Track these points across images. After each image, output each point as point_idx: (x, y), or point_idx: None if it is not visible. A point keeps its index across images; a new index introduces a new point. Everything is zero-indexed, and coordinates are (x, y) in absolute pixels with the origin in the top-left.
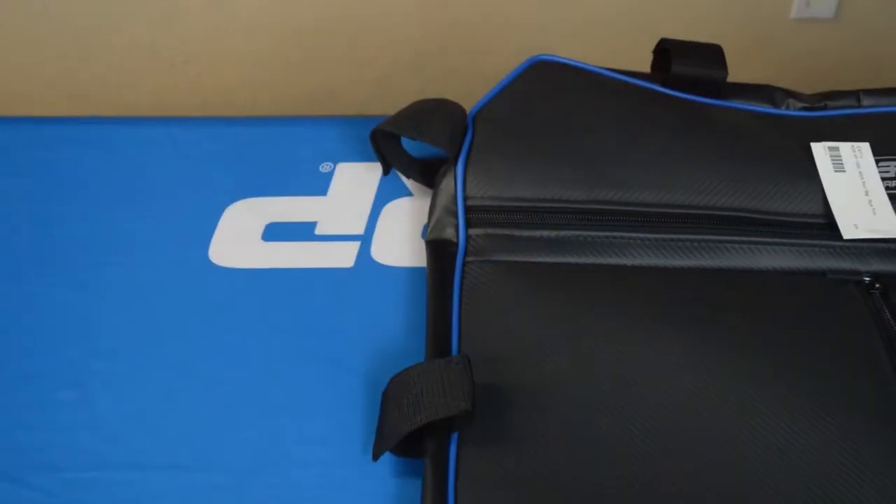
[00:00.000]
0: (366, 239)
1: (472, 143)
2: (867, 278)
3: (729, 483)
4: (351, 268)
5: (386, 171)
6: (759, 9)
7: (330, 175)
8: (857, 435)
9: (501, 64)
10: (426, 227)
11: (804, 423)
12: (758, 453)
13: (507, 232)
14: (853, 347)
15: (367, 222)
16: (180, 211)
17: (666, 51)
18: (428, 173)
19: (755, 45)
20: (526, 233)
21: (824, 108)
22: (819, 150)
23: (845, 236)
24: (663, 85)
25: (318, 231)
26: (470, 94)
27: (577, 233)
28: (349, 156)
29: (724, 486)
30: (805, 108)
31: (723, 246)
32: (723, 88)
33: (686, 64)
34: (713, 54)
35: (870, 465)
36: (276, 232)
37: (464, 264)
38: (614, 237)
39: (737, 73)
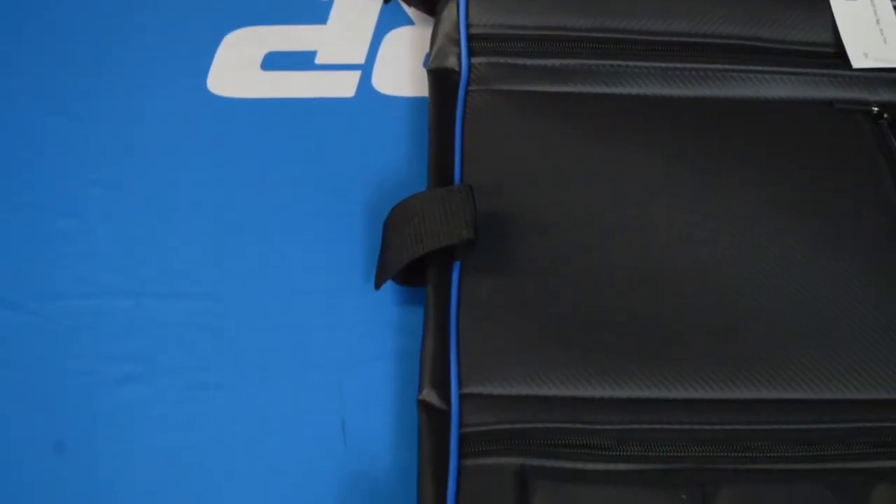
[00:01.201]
0: (366, 68)
1: None
2: (875, 108)
3: (731, 314)
4: (351, 97)
5: (387, 0)
6: None
7: (330, 3)
8: (861, 266)
9: None
10: (428, 55)
11: (806, 255)
12: (761, 283)
13: (510, 61)
14: (859, 178)
15: (368, 51)
16: (177, 40)
17: None
18: (430, 0)
19: None
20: (530, 61)
21: None
22: None
23: (854, 65)
24: None
25: (317, 60)
26: None
27: (582, 61)
28: None
29: (725, 317)
30: None
31: (729, 75)
32: None
33: None
34: None
35: (873, 296)
36: (275, 61)
37: (466, 93)
38: (619, 66)
39: None
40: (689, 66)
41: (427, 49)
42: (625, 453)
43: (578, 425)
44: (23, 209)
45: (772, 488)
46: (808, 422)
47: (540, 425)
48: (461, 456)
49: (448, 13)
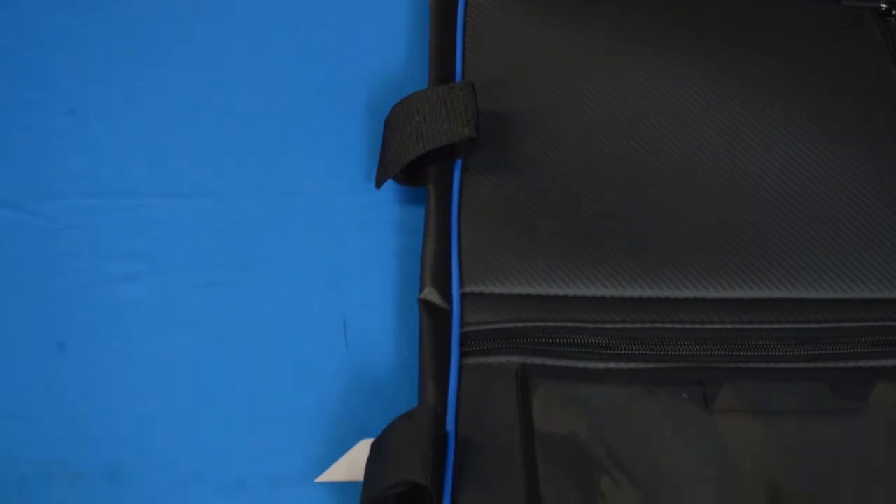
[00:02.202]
0: None
1: None
2: (883, 5)
3: (735, 214)
4: None
5: None
6: None
7: None
8: (867, 167)
9: None
10: None
11: (813, 156)
12: (766, 184)
13: None
14: (867, 75)
15: None
16: None
17: None
18: None
19: None
20: None
21: None
22: None
23: None
24: None
25: None
26: None
27: None
28: None
29: (730, 217)
30: None
31: None
32: None
33: None
34: None
35: (879, 197)
36: None
37: None
38: None
39: None
40: None
41: None
42: (626, 352)
43: (580, 324)
44: (21, 108)
45: (773, 386)
46: (810, 321)
47: (541, 324)
48: (462, 355)
49: None
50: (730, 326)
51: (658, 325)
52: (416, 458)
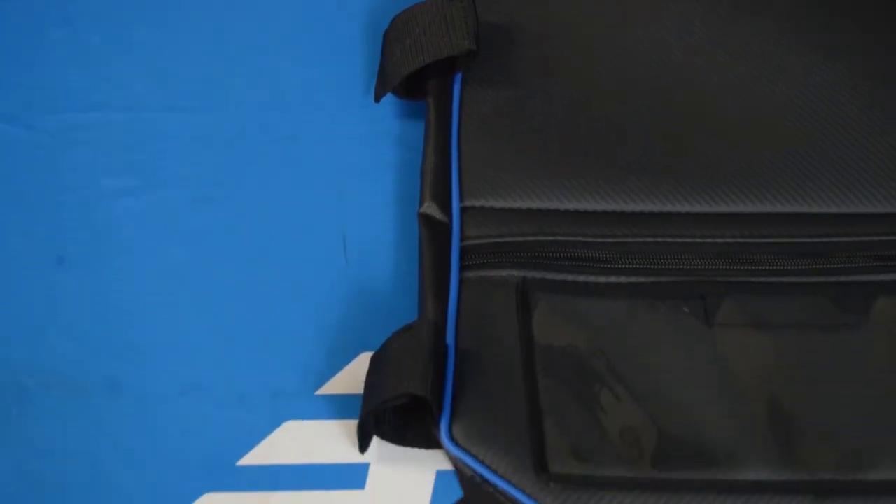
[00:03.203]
0: None
1: None
2: None
3: (740, 129)
4: None
5: None
6: None
7: None
8: (873, 86)
9: None
10: None
11: (821, 76)
12: (771, 101)
13: None
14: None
15: None
16: None
17: None
18: None
19: None
20: None
21: None
22: None
23: None
24: None
25: None
26: None
27: None
28: None
29: (734, 132)
30: None
31: None
32: None
33: None
34: None
35: (884, 112)
36: None
37: None
38: None
39: None
40: None
41: None
42: (626, 266)
43: (580, 238)
44: (12, 18)
45: (774, 300)
46: (812, 235)
47: (541, 238)
48: (462, 268)
49: None
50: (731, 241)
51: (659, 240)
52: (416, 371)
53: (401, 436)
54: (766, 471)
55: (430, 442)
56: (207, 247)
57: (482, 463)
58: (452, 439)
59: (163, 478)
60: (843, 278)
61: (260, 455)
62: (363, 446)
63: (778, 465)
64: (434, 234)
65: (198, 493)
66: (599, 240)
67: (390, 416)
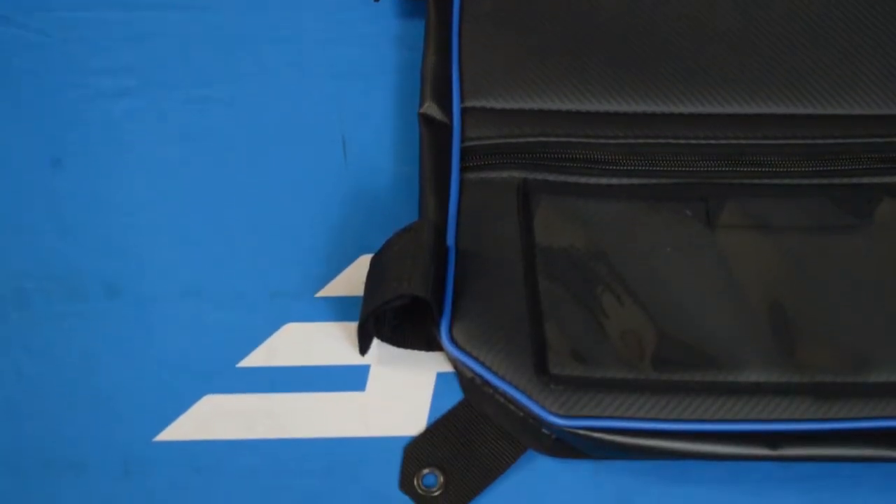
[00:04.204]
0: None
1: None
2: None
3: (746, 29)
4: None
5: None
6: None
7: None
8: None
9: None
10: None
11: None
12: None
13: None
14: None
15: None
16: None
17: None
18: None
19: None
20: None
21: None
22: None
23: None
24: None
25: None
26: None
27: None
28: None
29: (740, 32)
30: None
31: None
32: None
33: None
34: None
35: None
36: None
37: None
38: None
39: None
40: None
41: None
42: (629, 168)
43: (582, 139)
44: None
45: (777, 202)
46: (816, 137)
47: (543, 139)
48: (463, 170)
49: None
50: (734, 142)
51: (661, 141)
52: (417, 272)
53: (401, 338)
54: (766, 373)
55: (431, 344)
56: (206, 148)
57: (482, 364)
58: (453, 340)
59: (162, 380)
60: (846, 180)
61: (260, 357)
62: (363, 348)
63: (779, 367)
64: (434, 134)
65: (198, 395)
66: (602, 141)
67: (390, 317)
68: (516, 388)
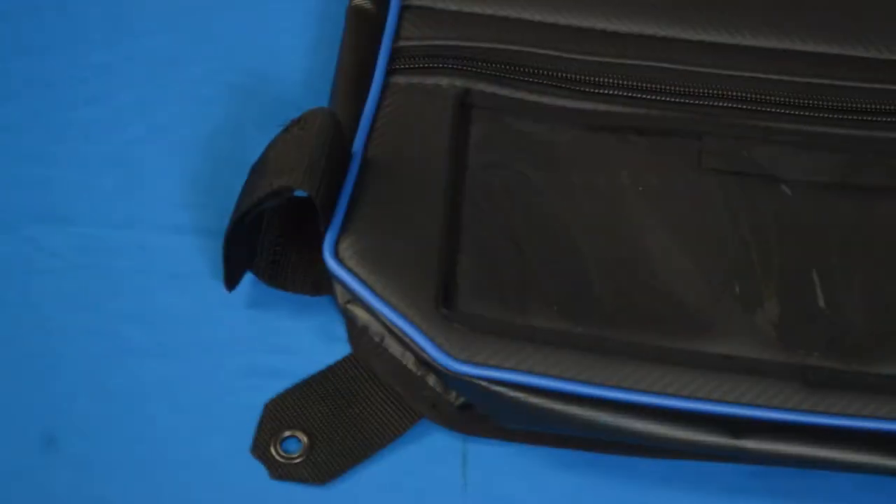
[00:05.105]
0: None
1: None
2: None
3: None
4: None
5: None
6: None
7: None
8: None
9: None
10: None
11: None
12: None
13: None
14: None
15: None
16: None
17: None
18: None
19: None
20: None
21: None
22: None
23: None
24: None
25: None
26: None
27: None
28: None
29: None
30: None
31: None
32: None
33: None
34: None
35: None
36: None
37: None
38: None
39: None
40: None
41: None
42: (605, 91)
43: (550, 51)
44: None
45: (793, 151)
46: (856, 80)
47: (500, 46)
48: (391, 72)
49: None
50: (748, 75)
51: (653, 64)
52: (302, 163)
53: (281, 275)
54: (741, 345)
55: (319, 286)
56: None
57: (370, 288)
58: (336, 256)
59: None
60: (873, 133)
61: None
62: (230, 279)
63: (759, 341)
64: (361, 28)
65: None
66: (576, 56)
67: (269, 246)
68: (409, 320)
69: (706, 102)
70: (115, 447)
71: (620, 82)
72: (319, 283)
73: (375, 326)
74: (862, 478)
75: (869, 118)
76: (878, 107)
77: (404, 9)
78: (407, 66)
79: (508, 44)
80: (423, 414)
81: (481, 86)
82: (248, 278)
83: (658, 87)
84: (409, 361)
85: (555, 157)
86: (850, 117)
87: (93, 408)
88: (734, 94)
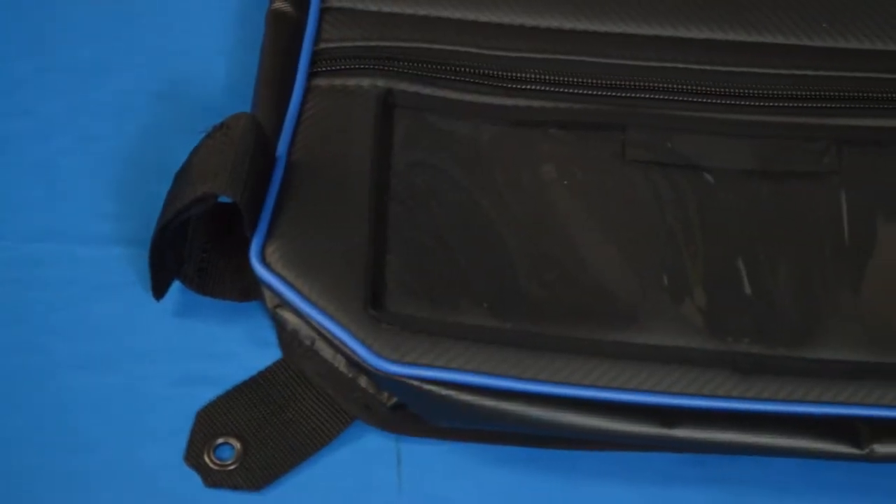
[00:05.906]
0: None
1: None
2: None
3: None
4: None
5: None
6: None
7: None
8: None
9: None
10: None
11: None
12: None
13: None
14: None
15: None
16: None
17: None
18: None
19: None
20: None
21: None
22: None
23: None
24: None
25: None
26: None
27: None
28: None
29: None
30: None
31: None
32: None
33: None
34: None
35: None
36: None
37: None
38: None
39: None
40: None
41: None
42: (527, 86)
43: (471, 49)
44: None
45: (717, 140)
46: (779, 67)
47: (422, 45)
48: (313, 75)
49: None
50: (670, 65)
51: (574, 58)
52: (226, 169)
53: (209, 281)
54: (670, 335)
55: (246, 292)
56: None
57: (298, 291)
58: (263, 261)
59: None
60: (793, 119)
61: None
62: (158, 288)
63: (688, 330)
64: (282, 31)
65: None
66: (497, 53)
67: (196, 252)
68: (338, 322)
69: (629, 94)
70: (48, 460)
71: (542, 77)
72: (248, 289)
73: (305, 330)
74: (796, 462)
75: (788, 104)
76: (797, 93)
77: (324, 11)
78: (328, 69)
79: (429, 42)
80: (356, 416)
81: (403, 85)
82: (176, 286)
83: (580, 80)
84: (341, 364)
85: (478, 154)
86: (769, 104)
87: (23, 421)
88: (656, 84)
